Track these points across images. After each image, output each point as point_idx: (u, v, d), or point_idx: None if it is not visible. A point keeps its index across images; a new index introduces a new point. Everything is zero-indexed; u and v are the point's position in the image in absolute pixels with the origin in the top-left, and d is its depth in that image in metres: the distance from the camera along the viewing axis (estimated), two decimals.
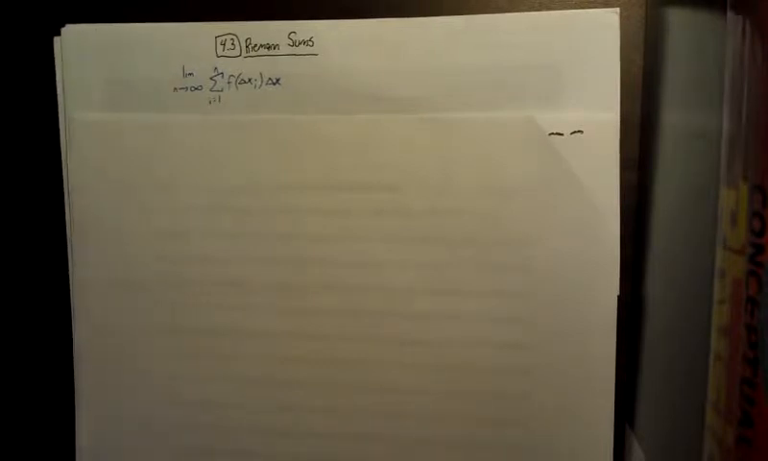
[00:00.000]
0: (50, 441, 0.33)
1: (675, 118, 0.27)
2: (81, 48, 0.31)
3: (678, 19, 0.27)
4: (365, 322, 0.30)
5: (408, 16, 0.29)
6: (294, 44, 0.29)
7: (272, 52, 0.29)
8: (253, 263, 0.30)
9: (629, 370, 0.29)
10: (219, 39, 0.30)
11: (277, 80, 0.30)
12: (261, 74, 0.30)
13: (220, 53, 0.30)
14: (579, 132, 0.28)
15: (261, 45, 0.29)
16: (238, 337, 0.31)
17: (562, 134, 0.28)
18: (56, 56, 0.31)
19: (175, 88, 0.30)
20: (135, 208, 0.31)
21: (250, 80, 0.30)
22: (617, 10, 0.27)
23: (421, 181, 0.29)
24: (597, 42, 0.27)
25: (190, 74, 0.30)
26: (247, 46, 0.30)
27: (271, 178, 0.30)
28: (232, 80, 0.30)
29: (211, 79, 0.30)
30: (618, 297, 0.28)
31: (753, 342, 0.21)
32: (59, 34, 0.31)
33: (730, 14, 0.23)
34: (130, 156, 0.31)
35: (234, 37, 0.30)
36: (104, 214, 0.31)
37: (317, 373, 0.30)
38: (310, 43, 0.29)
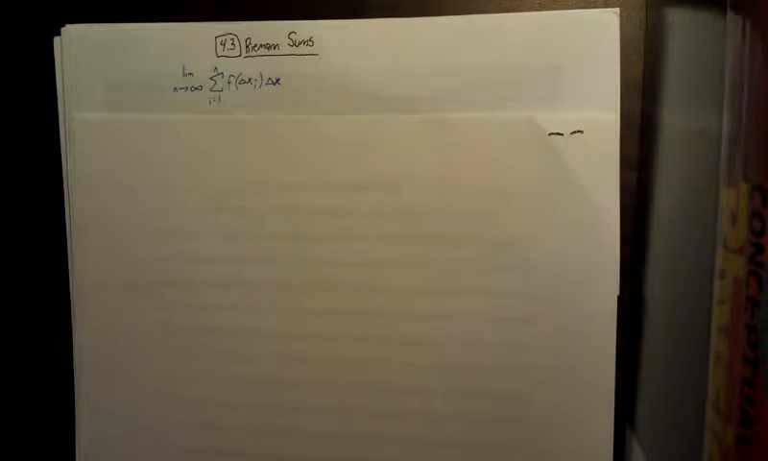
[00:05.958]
0: (50, 441, 0.33)
1: (675, 118, 0.27)
2: (81, 48, 0.31)
3: (678, 19, 0.27)
4: (365, 322, 0.30)
5: (408, 16, 0.29)
6: (294, 44, 0.29)
7: (272, 52, 0.29)
8: (253, 263, 0.30)
9: (629, 370, 0.29)
10: (219, 39, 0.30)
11: (277, 80, 0.30)
12: (261, 74, 0.30)
13: (220, 53, 0.30)
14: (579, 132, 0.28)
15: (261, 45, 0.29)
16: (238, 337, 0.31)
17: (562, 134, 0.28)
18: (56, 56, 0.31)
19: (175, 88, 0.30)
20: (135, 208, 0.31)
21: (250, 80, 0.30)
22: (617, 10, 0.27)
23: (421, 181, 0.29)
24: (597, 42, 0.27)
25: (190, 74, 0.30)
26: (247, 46, 0.30)
27: (271, 178, 0.30)
28: (232, 80, 0.30)
29: (211, 79, 0.30)
30: (618, 297, 0.28)
31: (753, 342, 0.21)
32: (59, 34, 0.31)
33: (730, 14, 0.23)
34: (130, 156, 0.31)
35: (234, 37, 0.30)
36: (104, 214, 0.31)
37: (317, 373, 0.30)
38: (310, 43, 0.29)
